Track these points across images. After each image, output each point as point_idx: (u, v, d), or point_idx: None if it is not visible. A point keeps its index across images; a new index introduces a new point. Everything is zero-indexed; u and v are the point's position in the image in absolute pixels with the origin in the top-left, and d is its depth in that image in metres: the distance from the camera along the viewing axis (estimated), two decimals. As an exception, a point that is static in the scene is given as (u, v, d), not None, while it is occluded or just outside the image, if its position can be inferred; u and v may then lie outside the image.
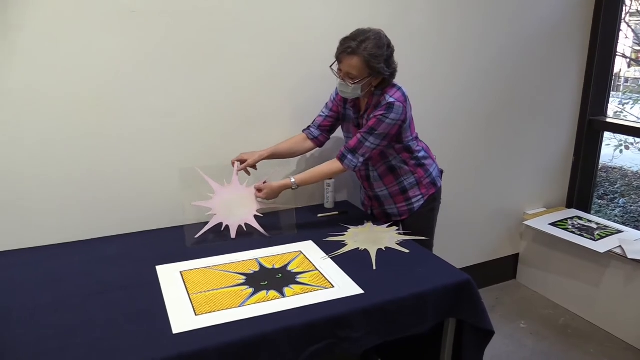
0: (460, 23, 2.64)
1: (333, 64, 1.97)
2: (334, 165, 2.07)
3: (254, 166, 2.12)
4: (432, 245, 2.28)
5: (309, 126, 2.22)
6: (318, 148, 2.27)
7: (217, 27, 2.08)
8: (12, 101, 1.82)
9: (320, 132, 2.20)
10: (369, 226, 2.14)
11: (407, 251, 1.92)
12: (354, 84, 1.92)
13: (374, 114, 1.98)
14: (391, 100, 1.96)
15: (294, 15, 2.21)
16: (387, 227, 2.13)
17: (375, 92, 2.01)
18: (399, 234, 2.08)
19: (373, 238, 2.02)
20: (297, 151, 2.21)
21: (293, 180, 2.04)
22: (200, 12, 2.02)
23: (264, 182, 2.08)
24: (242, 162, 2.09)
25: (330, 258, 1.86)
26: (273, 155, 2.14)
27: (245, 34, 2.13)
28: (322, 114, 2.20)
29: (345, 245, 1.96)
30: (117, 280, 1.70)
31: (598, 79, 3.12)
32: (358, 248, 1.94)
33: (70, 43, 1.85)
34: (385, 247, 1.94)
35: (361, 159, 2.02)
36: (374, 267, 1.80)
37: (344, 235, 2.05)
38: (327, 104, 2.20)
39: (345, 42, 1.90)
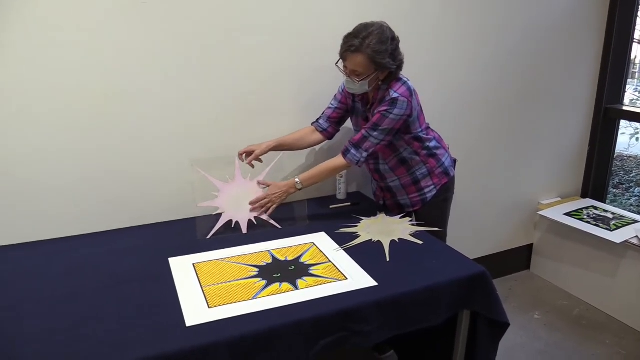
0: (477, 12, 2.59)
1: (338, 61, 1.94)
2: (337, 161, 2.05)
3: (260, 158, 2.10)
4: (445, 236, 2.26)
5: (317, 119, 2.20)
6: (328, 141, 2.24)
7: (228, 20, 2.05)
8: (24, 93, 1.82)
9: (329, 124, 2.18)
10: (381, 217, 2.13)
11: (420, 242, 1.90)
12: (360, 80, 1.90)
13: (378, 109, 1.96)
14: (395, 95, 1.93)
15: (305, 7, 2.18)
16: (400, 218, 2.11)
17: (382, 86, 1.98)
18: (412, 225, 2.06)
19: (386, 229, 2.00)
20: (304, 143, 2.19)
21: (297, 180, 2.03)
22: (210, 4, 2.00)
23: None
24: (249, 154, 2.07)
25: (343, 250, 1.85)
26: (280, 147, 2.12)
27: (255, 26, 2.11)
28: (331, 106, 2.18)
29: (358, 236, 1.95)
30: (130, 273, 1.70)
31: (614, 66, 3.06)
32: (371, 239, 1.92)
33: (80, 35, 1.84)
34: (399, 239, 1.92)
35: (365, 154, 2.00)
36: (388, 259, 1.78)
37: (356, 226, 2.04)
38: (335, 95, 2.17)
39: (348, 39, 1.86)
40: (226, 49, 2.09)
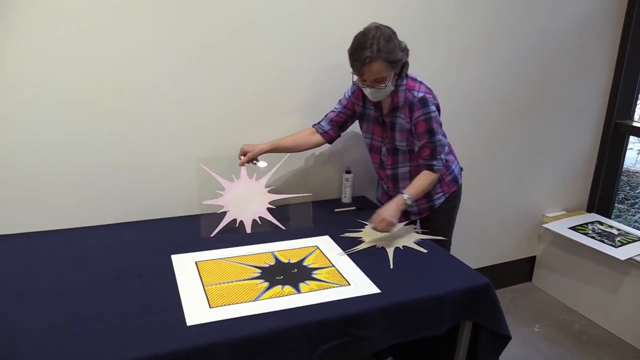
0: (488, 21, 2.57)
1: (356, 80, 1.93)
2: (431, 177, 2.02)
3: (254, 159, 2.07)
4: (450, 244, 2.24)
5: (319, 121, 2.18)
6: (327, 144, 2.21)
7: (235, 18, 2.04)
8: (33, 83, 1.81)
9: (331, 127, 2.15)
10: None
11: (425, 251, 1.88)
12: (385, 85, 1.89)
13: (415, 118, 1.95)
14: (421, 95, 1.94)
15: (314, 6, 2.17)
16: (405, 225, 2.10)
17: (400, 88, 1.96)
18: (417, 232, 2.04)
19: (390, 236, 1.99)
20: (302, 145, 2.15)
21: (406, 196, 1.96)
22: (218, 2, 1.99)
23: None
24: (243, 155, 2.05)
25: (347, 255, 1.84)
26: (276, 149, 2.09)
27: (263, 24, 2.10)
28: (334, 109, 2.15)
29: (362, 241, 1.94)
30: (132, 268, 1.69)
31: (627, 81, 3.04)
32: (375, 245, 1.91)
33: (90, 29, 1.83)
34: (403, 246, 1.91)
35: (443, 157, 2.03)
36: (391, 266, 1.77)
37: (360, 231, 2.03)
38: (340, 100, 2.15)
39: (357, 54, 1.82)
40: (235, 48, 2.07)
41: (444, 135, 2.04)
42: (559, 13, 2.76)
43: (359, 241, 1.94)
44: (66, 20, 1.79)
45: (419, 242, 1.94)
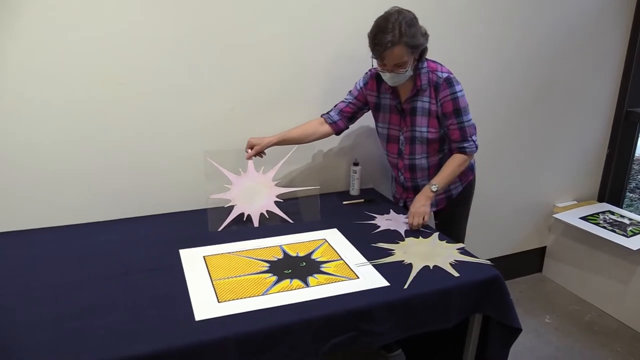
0: (500, 10, 2.54)
1: (377, 67, 1.90)
2: (459, 158, 2.00)
3: (262, 152, 2.05)
4: (464, 235, 2.22)
5: (328, 111, 2.16)
6: (335, 137, 2.20)
7: (243, 11, 2.02)
8: (40, 78, 1.81)
9: (340, 118, 2.13)
10: (432, 239, 1.90)
11: (457, 275, 1.66)
12: (405, 70, 1.86)
13: (441, 99, 1.93)
14: (445, 75, 1.93)
15: (326, -2, 2.15)
16: (448, 243, 1.89)
17: (422, 70, 1.94)
18: (461, 253, 1.80)
19: (429, 253, 1.79)
20: (310, 136, 2.12)
21: (434, 185, 1.97)
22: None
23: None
24: (250, 148, 2.04)
25: (357, 249, 1.82)
26: (284, 141, 2.07)
27: (274, 14, 2.08)
28: (344, 100, 2.14)
29: (392, 254, 1.79)
30: (140, 262, 1.69)
31: (638, 69, 2.99)
32: (403, 261, 1.74)
33: (89, 24, 1.82)
34: (434, 266, 1.71)
35: (475, 138, 2.00)
36: (406, 286, 1.60)
37: (397, 243, 1.86)
38: (351, 91, 2.13)
39: (379, 38, 1.79)
40: (243, 40, 2.06)
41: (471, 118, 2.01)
42: (571, 2, 2.71)
43: (388, 252, 1.80)
44: (69, 14, 1.78)
45: (455, 264, 1.72)
